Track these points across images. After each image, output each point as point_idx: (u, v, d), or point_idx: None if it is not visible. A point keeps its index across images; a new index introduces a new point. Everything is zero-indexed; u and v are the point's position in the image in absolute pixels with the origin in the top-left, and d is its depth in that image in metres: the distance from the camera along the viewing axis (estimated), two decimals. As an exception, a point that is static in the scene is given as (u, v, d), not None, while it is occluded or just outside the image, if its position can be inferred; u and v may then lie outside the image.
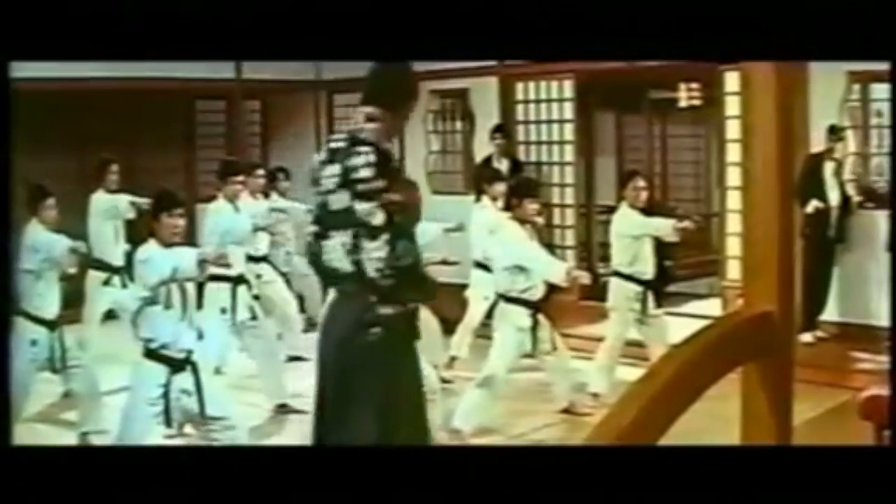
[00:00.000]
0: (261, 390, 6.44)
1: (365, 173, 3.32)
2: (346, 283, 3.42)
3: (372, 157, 3.34)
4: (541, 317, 5.83)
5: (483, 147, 8.89)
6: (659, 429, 1.44)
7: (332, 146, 3.47)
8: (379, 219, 3.32)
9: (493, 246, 6.29)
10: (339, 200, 3.34)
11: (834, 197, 7.11)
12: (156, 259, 4.51)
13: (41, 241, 5.42)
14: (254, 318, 6.36)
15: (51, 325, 5.41)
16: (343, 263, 3.36)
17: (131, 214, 7.09)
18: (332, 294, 3.54)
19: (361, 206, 3.32)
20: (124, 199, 7.12)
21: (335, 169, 3.37)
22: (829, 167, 7.09)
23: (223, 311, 6.21)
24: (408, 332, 3.54)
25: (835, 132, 7.01)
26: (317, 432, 3.50)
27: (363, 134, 3.43)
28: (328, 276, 3.50)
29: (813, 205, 6.89)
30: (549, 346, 5.90)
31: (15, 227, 5.05)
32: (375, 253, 3.32)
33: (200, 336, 4.70)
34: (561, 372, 6.06)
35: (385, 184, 3.36)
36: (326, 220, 3.40)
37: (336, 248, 3.35)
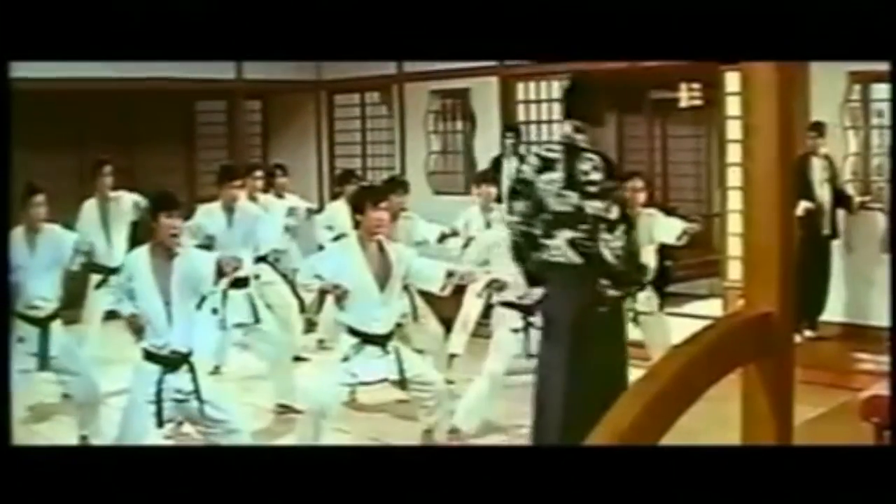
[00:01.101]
0: (270, 391, 6.45)
1: (595, 176, 3.84)
2: (569, 274, 3.90)
3: (599, 162, 3.87)
4: (536, 319, 5.83)
5: (483, 148, 8.89)
6: (659, 429, 1.44)
7: (545, 155, 4.01)
8: (615, 213, 3.83)
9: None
10: (565, 202, 3.86)
11: (824, 194, 7.08)
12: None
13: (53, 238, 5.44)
14: (256, 321, 6.34)
15: (41, 322, 5.38)
16: (570, 257, 3.89)
17: (132, 216, 7.06)
18: (544, 288, 4.12)
19: (595, 205, 3.82)
20: (123, 201, 7.07)
21: (556, 175, 3.90)
22: (816, 165, 7.07)
23: (214, 311, 6.20)
24: (623, 312, 4.20)
25: (816, 129, 6.99)
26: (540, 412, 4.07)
27: (580, 143, 3.95)
28: (547, 271, 4.01)
29: (803, 206, 6.81)
30: None
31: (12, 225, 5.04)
32: (614, 242, 3.80)
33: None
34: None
35: (615, 183, 4.04)
36: (548, 221, 3.94)
37: (561, 245, 3.89)
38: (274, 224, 7.02)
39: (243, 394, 6.39)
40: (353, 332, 5.07)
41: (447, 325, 7.01)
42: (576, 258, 3.86)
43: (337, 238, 6.60)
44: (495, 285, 5.43)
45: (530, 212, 3.97)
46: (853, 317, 7.16)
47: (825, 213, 7.09)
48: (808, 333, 7.05)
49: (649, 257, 6.35)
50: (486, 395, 5.70)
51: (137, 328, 4.55)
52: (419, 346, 6.19)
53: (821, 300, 7.16)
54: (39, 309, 5.37)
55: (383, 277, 5.09)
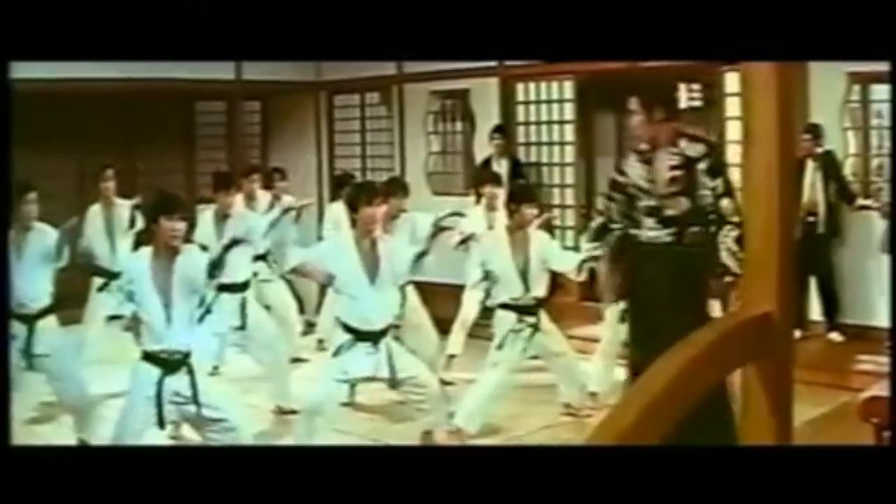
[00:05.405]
0: (266, 393, 6.44)
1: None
2: None
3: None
4: (535, 319, 5.82)
5: (483, 148, 8.89)
6: (659, 430, 1.44)
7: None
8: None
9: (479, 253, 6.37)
10: None
11: (817, 195, 7.09)
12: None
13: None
14: (242, 326, 6.33)
15: (29, 320, 5.35)
16: None
17: (140, 222, 7.03)
18: None
19: None
20: (125, 208, 7.05)
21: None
22: (810, 167, 7.07)
23: (209, 311, 6.19)
24: None
25: (812, 131, 6.99)
26: None
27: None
28: None
29: None
30: (557, 347, 5.91)
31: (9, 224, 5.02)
32: None
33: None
34: (568, 373, 6.06)
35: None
36: None
37: None
38: (262, 224, 6.93)
39: (242, 395, 6.37)
40: (346, 328, 5.10)
41: (441, 325, 7.01)
42: None
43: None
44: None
45: None
46: (851, 316, 7.15)
47: (819, 214, 7.10)
48: (833, 336, 7.09)
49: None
50: (489, 395, 5.70)
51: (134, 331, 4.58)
52: (413, 347, 6.18)
53: (835, 299, 7.17)
54: (27, 307, 5.34)
55: (374, 274, 5.11)
